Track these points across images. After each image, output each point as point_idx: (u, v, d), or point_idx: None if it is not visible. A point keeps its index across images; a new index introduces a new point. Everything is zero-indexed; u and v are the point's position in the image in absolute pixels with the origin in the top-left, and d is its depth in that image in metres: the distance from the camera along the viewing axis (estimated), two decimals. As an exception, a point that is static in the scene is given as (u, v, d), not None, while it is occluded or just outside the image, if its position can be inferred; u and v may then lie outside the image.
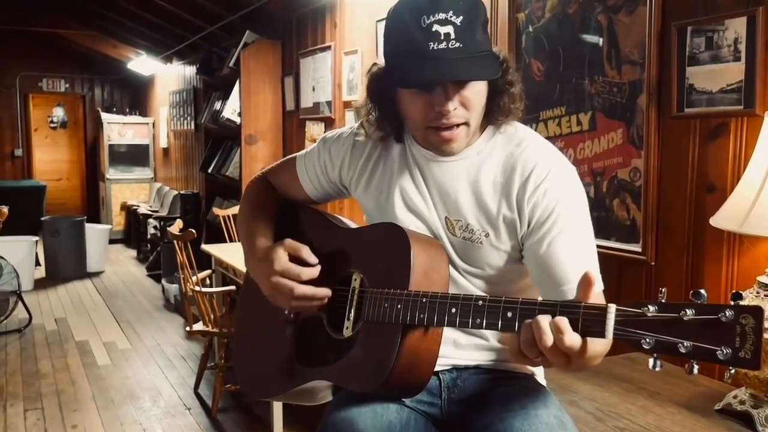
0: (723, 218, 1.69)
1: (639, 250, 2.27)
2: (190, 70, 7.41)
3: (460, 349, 1.32)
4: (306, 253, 1.31)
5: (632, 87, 2.27)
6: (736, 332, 0.86)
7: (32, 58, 9.65)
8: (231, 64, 5.22)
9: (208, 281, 3.98)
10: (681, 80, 2.10)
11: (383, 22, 4.14)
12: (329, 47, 4.36)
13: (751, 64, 1.89)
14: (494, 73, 1.19)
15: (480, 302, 1.08)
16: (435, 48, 1.14)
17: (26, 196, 7.94)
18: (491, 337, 1.34)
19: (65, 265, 6.84)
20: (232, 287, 3.72)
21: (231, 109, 5.23)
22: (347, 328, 1.26)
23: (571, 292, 1.20)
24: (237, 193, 5.30)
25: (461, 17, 1.14)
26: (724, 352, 0.86)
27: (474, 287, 1.31)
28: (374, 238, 1.29)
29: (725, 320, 0.87)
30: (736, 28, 1.93)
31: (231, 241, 4.54)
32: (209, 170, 5.88)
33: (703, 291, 0.90)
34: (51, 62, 9.89)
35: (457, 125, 1.22)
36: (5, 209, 5.19)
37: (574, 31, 2.49)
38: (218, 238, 4.96)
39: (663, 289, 0.93)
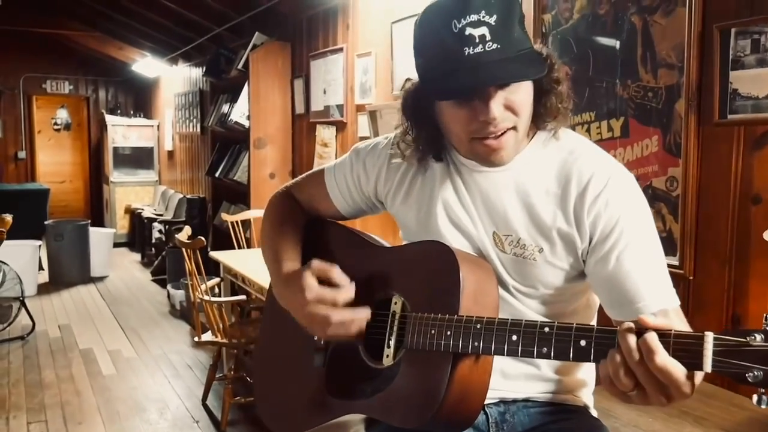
0: (780, 234, 1.57)
1: (676, 263, 2.15)
2: (196, 72, 7.30)
3: (509, 380, 1.21)
4: (337, 274, 1.20)
5: (669, 92, 2.16)
6: None
7: (36, 59, 9.54)
8: (239, 66, 5.11)
9: (216, 290, 3.87)
10: (724, 85, 1.98)
11: (399, 24, 3.95)
12: (341, 49, 4.25)
13: (802, 69, 1.78)
14: (539, 71, 1.09)
15: (546, 329, 0.97)
16: (470, 53, 1.03)
17: (29, 199, 7.84)
18: (544, 365, 1.23)
19: (69, 269, 6.73)
20: (242, 297, 3.61)
21: (239, 112, 5.12)
22: (387, 356, 1.14)
23: (646, 309, 1.08)
24: (245, 198, 5.19)
25: (495, 16, 1.04)
26: None
27: (526, 308, 1.20)
28: (417, 257, 1.17)
29: None
30: (786, 29, 1.82)
31: (240, 247, 4.43)
32: (216, 174, 5.77)
33: None
34: (55, 64, 9.79)
35: (504, 132, 1.11)
36: (9, 218, 5.07)
37: (605, 32, 2.38)
38: (226, 244, 4.85)
39: (765, 315, 0.82)
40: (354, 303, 1.18)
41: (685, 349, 0.85)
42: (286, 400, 1.31)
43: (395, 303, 1.16)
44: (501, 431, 1.22)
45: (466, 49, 1.03)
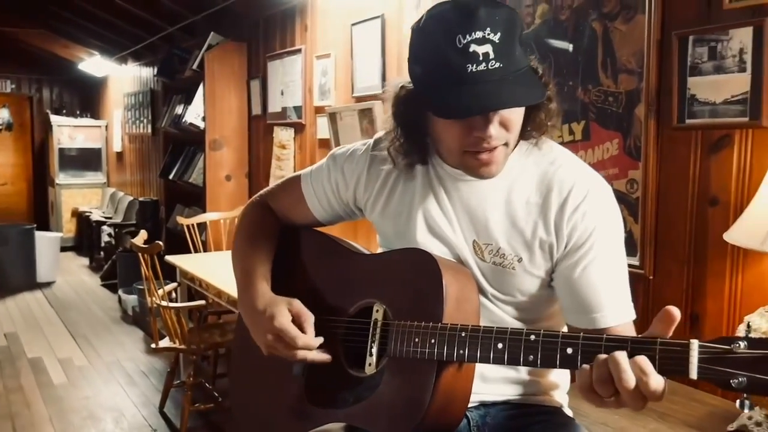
0: (741, 234, 1.63)
1: (636, 263, 2.21)
2: (147, 72, 7.15)
3: (488, 384, 1.22)
4: (309, 324, 1.20)
5: (629, 96, 2.21)
6: None
7: (-24, 57, 9.18)
8: (194, 66, 5.02)
9: (173, 294, 3.79)
10: (682, 90, 2.04)
11: (359, 26, 3.94)
12: (299, 50, 4.22)
13: (758, 75, 1.85)
14: (540, 95, 1.09)
15: (532, 337, 0.98)
16: (473, 70, 1.02)
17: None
18: (521, 368, 1.24)
19: (14, 275, 6.49)
20: (202, 302, 3.55)
21: (194, 113, 5.02)
22: (370, 364, 1.14)
23: (602, 320, 1.13)
24: (200, 200, 5.11)
25: (499, 34, 1.03)
26: None
27: (504, 314, 1.21)
28: (398, 265, 1.17)
29: None
30: (742, 38, 1.88)
31: (196, 251, 4.35)
32: (170, 176, 5.65)
33: None
34: (-4, 62, 9.43)
35: (496, 147, 1.11)
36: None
37: (566, 38, 2.42)
38: (181, 247, 4.75)
39: (748, 321, 0.85)
40: (332, 311, 1.18)
41: (671, 356, 0.87)
42: (265, 409, 1.29)
43: (377, 311, 1.16)
44: (482, 434, 1.23)
45: (470, 66, 1.02)
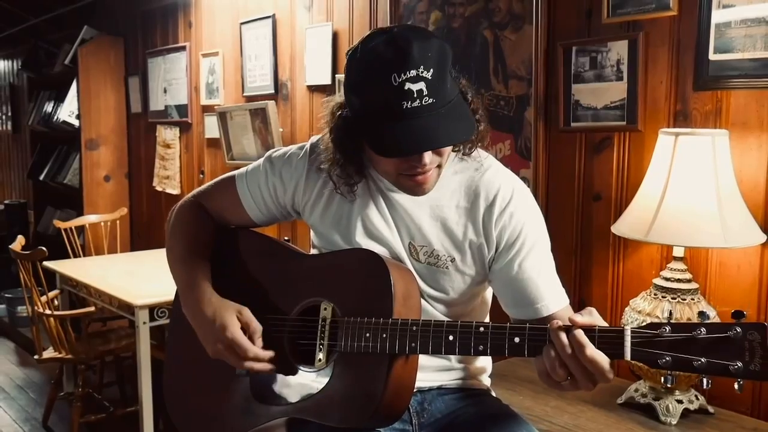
0: (626, 227, 1.82)
1: (529, 255, 2.39)
2: (5, 65, 6.66)
3: (424, 372, 1.30)
4: (258, 336, 1.22)
5: (519, 101, 2.39)
6: (745, 347, 0.92)
7: None
8: (67, 61, 4.74)
9: (56, 302, 3.59)
10: (567, 96, 2.24)
11: (248, 25, 3.89)
12: (184, 47, 4.12)
13: (633, 84, 2.07)
14: (471, 128, 1.16)
15: (482, 329, 1.08)
16: (408, 107, 1.08)
17: None
18: (453, 356, 1.34)
19: None
20: (91, 308, 3.38)
21: (68, 110, 4.76)
22: (320, 360, 1.19)
23: (545, 309, 1.24)
24: (75, 202, 4.84)
25: (432, 70, 1.08)
26: (736, 365, 0.93)
27: (436, 311, 1.30)
28: (345, 265, 1.23)
29: (734, 336, 0.93)
30: (619, 50, 2.10)
31: (75, 256, 4.14)
32: (41, 177, 5.30)
33: (707, 311, 0.96)
34: None
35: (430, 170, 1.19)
36: None
37: (459, 45, 2.56)
38: (55, 252, 4.47)
39: (670, 310, 0.99)
40: (279, 310, 1.22)
41: (608, 342, 0.99)
42: (207, 409, 1.30)
43: (324, 309, 1.21)
44: (422, 419, 1.31)
45: (405, 103, 1.08)
